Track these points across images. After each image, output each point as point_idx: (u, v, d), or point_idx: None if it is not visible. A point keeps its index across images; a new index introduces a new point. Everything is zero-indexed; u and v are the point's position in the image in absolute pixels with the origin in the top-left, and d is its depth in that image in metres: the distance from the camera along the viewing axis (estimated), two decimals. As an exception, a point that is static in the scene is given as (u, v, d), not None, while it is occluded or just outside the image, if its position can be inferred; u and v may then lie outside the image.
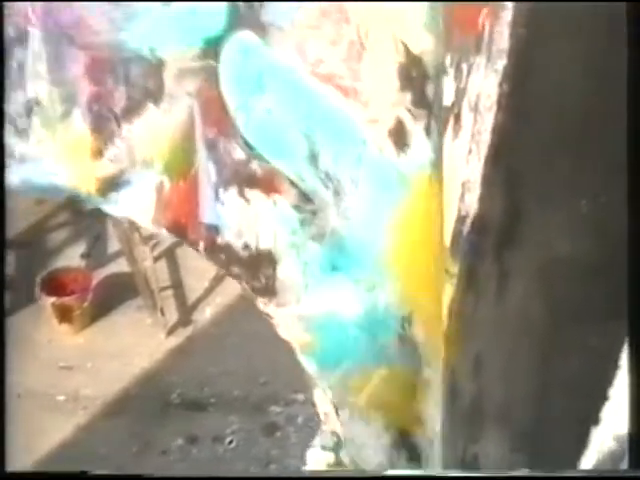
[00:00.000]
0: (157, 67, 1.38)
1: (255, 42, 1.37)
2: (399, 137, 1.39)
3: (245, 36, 1.37)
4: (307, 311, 1.45)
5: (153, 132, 1.40)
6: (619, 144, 1.33)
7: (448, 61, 1.90)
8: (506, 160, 1.62)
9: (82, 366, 3.86)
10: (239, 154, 1.40)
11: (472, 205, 1.81)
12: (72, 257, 4.20)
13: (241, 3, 1.36)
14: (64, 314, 3.91)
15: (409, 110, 1.38)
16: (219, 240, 1.43)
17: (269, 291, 1.44)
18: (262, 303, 1.45)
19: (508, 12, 1.55)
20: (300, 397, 3.67)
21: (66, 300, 3.89)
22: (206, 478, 1.52)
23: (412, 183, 1.40)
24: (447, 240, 1.94)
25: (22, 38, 1.40)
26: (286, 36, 1.37)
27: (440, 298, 1.46)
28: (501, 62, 1.60)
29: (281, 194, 1.40)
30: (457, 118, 1.73)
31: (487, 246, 1.71)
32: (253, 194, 1.41)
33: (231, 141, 1.39)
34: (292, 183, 1.40)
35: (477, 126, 1.68)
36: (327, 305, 1.45)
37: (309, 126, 1.38)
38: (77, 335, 3.97)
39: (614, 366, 1.34)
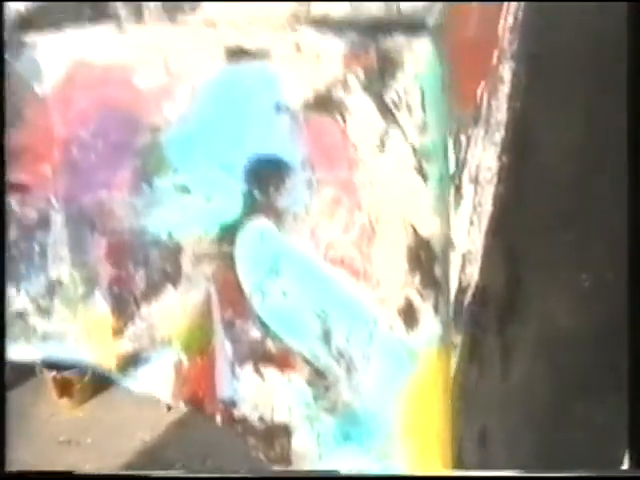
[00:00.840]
0: (175, 251, 1.44)
1: (270, 228, 1.43)
2: (408, 315, 1.44)
3: (260, 222, 1.43)
4: (321, 479, 1.51)
5: (172, 312, 1.45)
6: (621, 216, 1.36)
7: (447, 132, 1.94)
8: (507, 232, 1.66)
9: (82, 441, 3.88)
10: (255, 333, 1.45)
11: (473, 276, 1.86)
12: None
13: (257, 192, 1.42)
14: (64, 388, 3.93)
15: (418, 290, 1.44)
16: (235, 413, 1.49)
17: (284, 460, 1.49)
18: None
19: (506, 85, 1.59)
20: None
21: (67, 374, 3.91)
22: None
23: (421, 358, 1.45)
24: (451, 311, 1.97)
25: (44, 222, 1.45)
26: (300, 222, 1.42)
27: (449, 462, 1.51)
28: (499, 135, 1.64)
29: (295, 370, 1.46)
30: (458, 189, 1.76)
31: (489, 318, 1.74)
32: (268, 371, 1.46)
33: (247, 321, 1.44)
34: (306, 360, 1.45)
35: (478, 198, 1.72)
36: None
37: (322, 307, 1.44)
38: (77, 409, 4.00)
39: (619, 442, 1.37)
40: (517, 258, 1.62)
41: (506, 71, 1.56)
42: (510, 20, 1.54)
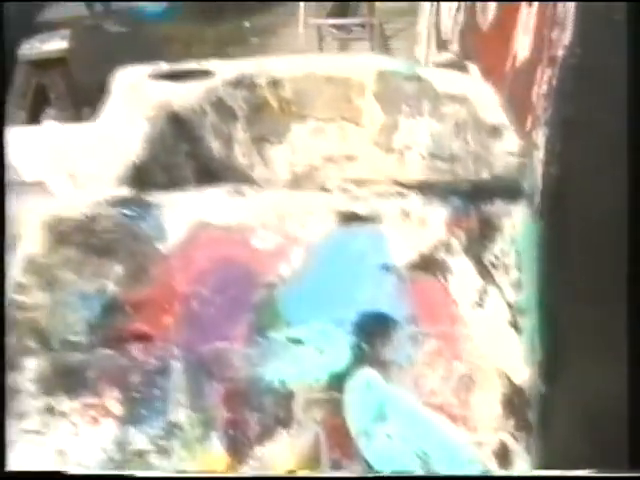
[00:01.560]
0: (287, 398, 1.55)
1: (376, 377, 1.54)
2: (502, 457, 1.55)
3: (367, 372, 1.55)
4: None
5: (283, 454, 1.55)
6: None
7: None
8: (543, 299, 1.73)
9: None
10: (360, 473, 1.56)
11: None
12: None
13: (364, 344, 1.54)
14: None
15: (511, 434, 1.55)
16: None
17: None
18: None
19: (540, 151, 1.66)
20: None
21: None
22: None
23: (513, 496, 1.57)
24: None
25: (165, 369, 1.56)
26: (404, 373, 1.54)
27: None
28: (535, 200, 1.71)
29: (398, 508, 1.57)
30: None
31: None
32: (371, 507, 1.58)
33: (353, 462, 1.55)
34: (408, 499, 1.56)
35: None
36: None
37: (423, 449, 1.55)
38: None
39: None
40: (555, 325, 1.70)
41: (540, 137, 1.64)
42: (544, 87, 1.63)
